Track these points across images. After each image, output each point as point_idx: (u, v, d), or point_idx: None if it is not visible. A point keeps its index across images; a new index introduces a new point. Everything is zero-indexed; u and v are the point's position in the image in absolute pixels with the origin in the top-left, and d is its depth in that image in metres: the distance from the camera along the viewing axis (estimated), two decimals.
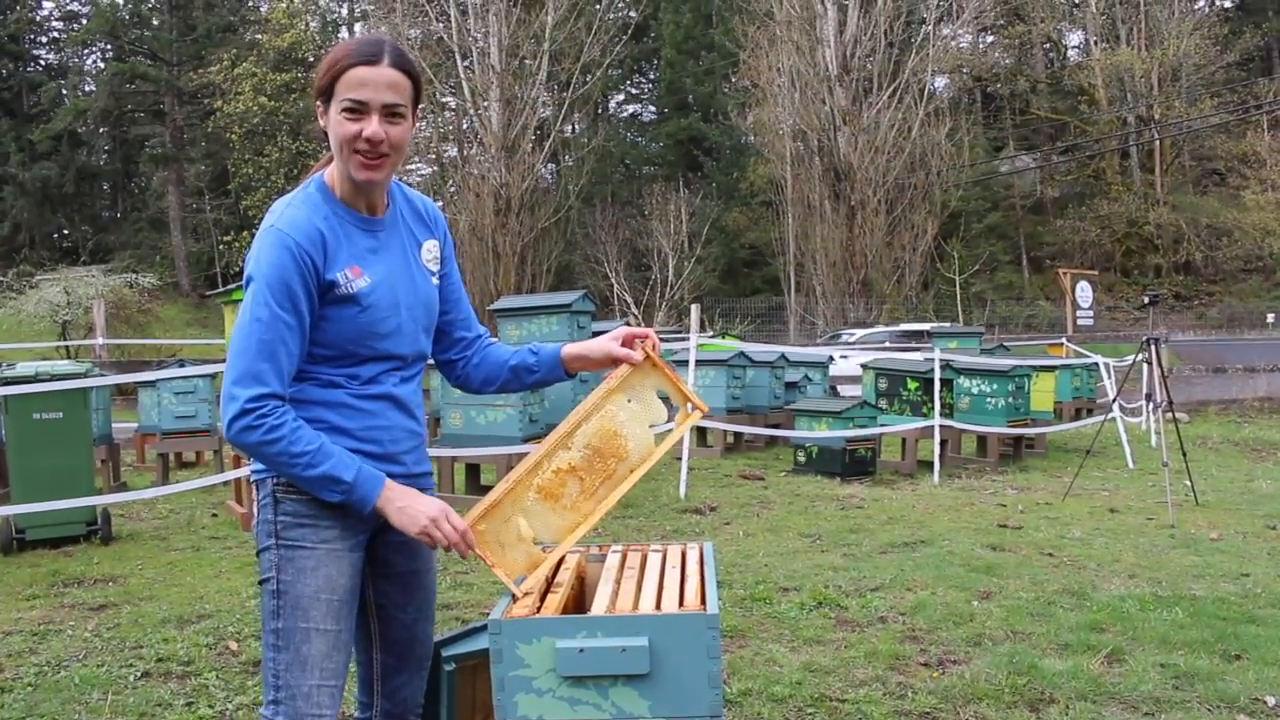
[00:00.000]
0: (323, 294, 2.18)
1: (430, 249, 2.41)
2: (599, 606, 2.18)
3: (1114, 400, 10.13)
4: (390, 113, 2.17)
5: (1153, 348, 8.75)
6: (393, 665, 2.45)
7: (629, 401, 2.34)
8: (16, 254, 39.37)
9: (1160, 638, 4.78)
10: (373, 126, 2.15)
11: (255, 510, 2.29)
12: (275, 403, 2.12)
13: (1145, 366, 12.16)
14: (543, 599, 2.26)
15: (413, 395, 2.36)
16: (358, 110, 2.15)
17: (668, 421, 2.38)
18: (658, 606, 2.15)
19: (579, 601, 2.53)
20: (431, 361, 2.54)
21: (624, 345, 2.38)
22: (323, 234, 2.18)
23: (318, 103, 2.22)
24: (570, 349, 2.47)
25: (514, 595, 2.19)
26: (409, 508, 2.18)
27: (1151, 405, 10.01)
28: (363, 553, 2.31)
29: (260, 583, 2.25)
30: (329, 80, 2.18)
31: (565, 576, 2.42)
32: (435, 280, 2.40)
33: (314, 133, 31.19)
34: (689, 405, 2.39)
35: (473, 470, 8.82)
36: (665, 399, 2.41)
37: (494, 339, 2.55)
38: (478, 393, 2.58)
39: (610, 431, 2.32)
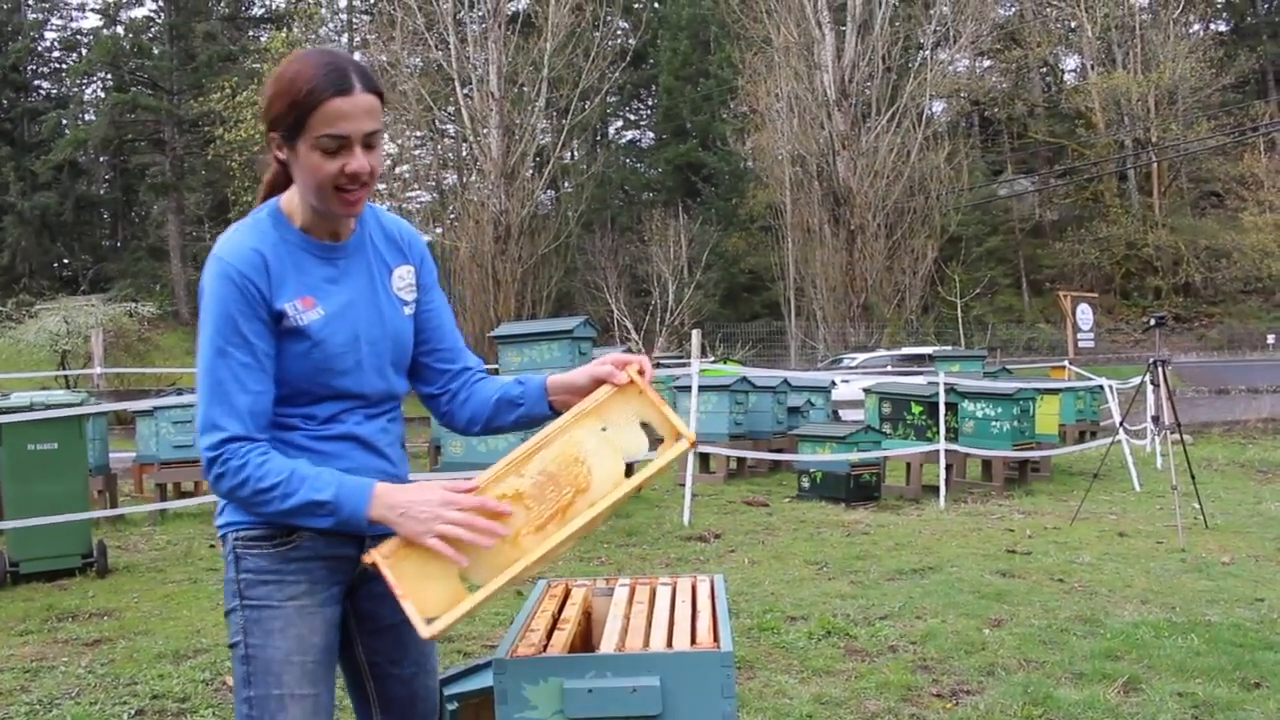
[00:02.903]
0: (275, 323, 2.01)
1: (403, 276, 2.20)
2: (608, 644, 2.08)
3: (1120, 423, 10.04)
4: (368, 142, 2.00)
5: (1159, 369, 8.67)
6: (396, 711, 2.26)
7: (602, 429, 2.06)
8: (16, 283, 39.34)
9: (1177, 665, 4.68)
10: (357, 161, 1.97)
11: (225, 567, 2.10)
12: (235, 445, 1.95)
13: (1150, 388, 12.10)
14: (549, 636, 2.16)
15: (380, 433, 2.15)
16: (339, 147, 1.96)
17: (648, 454, 2.09)
18: (669, 644, 2.06)
19: (586, 638, 2.44)
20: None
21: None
22: (264, 259, 2.00)
23: (272, 134, 2.02)
24: (555, 379, 2.22)
25: (430, 635, 1.88)
26: (411, 510, 1.93)
27: (1158, 427, 9.90)
28: (338, 607, 2.11)
29: (230, 647, 2.06)
30: (298, 115, 1.95)
31: (572, 612, 2.33)
32: (408, 310, 2.19)
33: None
34: (676, 436, 2.06)
35: None
36: (649, 429, 2.15)
37: (484, 374, 2.32)
38: (463, 433, 2.33)
39: (571, 457, 2.03)
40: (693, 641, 2.07)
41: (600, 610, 2.48)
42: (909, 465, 10.74)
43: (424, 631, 1.83)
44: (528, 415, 2.23)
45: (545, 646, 2.10)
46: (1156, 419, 9.65)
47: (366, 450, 2.12)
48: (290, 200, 2.09)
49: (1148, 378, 9.60)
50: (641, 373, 2.11)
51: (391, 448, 2.19)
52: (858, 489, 9.97)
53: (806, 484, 10.31)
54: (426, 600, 1.90)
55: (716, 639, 2.06)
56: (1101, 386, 14.79)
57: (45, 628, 5.69)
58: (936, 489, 10.25)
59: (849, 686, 4.47)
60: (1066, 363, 19.43)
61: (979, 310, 37.58)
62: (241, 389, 1.97)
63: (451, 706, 2.54)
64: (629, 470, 2.07)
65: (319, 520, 1.95)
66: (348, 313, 2.08)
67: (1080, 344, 31.92)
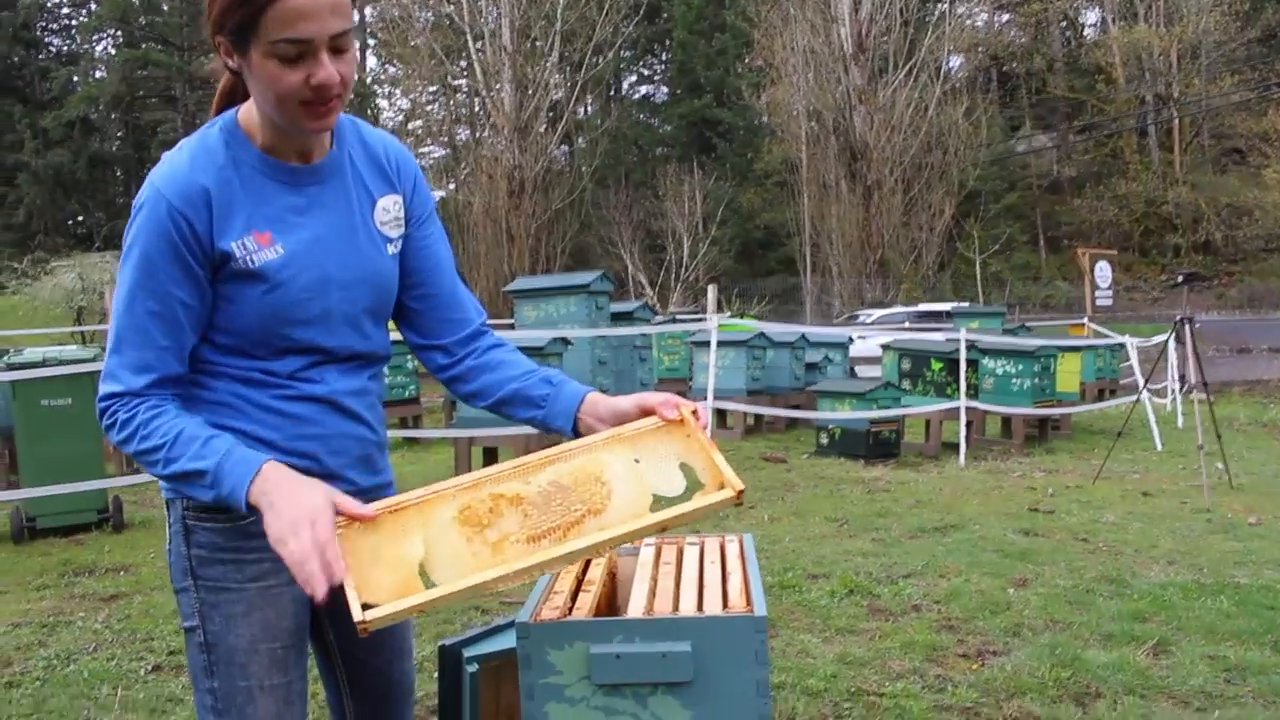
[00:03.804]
0: (216, 267, 1.69)
1: (388, 207, 1.86)
2: (635, 607, 1.99)
3: (1145, 382, 9.90)
4: (336, 46, 1.63)
5: (1186, 328, 8.53)
6: (368, 713, 2.05)
7: (635, 460, 1.80)
8: (31, 241, 39.39)
9: (1206, 628, 4.60)
10: (324, 71, 1.61)
11: (168, 536, 1.83)
12: (126, 399, 1.68)
13: (1175, 347, 11.95)
14: (574, 598, 2.07)
15: (359, 395, 1.86)
16: (300, 53, 1.60)
17: (680, 495, 1.80)
18: (700, 608, 1.97)
19: (611, 600, 2.36)
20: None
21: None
22: (207, 192, 1.68)
23: (218, 38, 1.67)
24: (595, 397, 1.91)
25: (359, 623, 1.56)
26: (280, 507, 1.59)
27: (1184, 386, 9.78)
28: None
29: (185, 630, 1.80)
30: (247, 14, 1.59)
31: (597, 573, 2.24)
32: (393, 250, 1.86)
33: None
34: (720, 485, 1.77)
35: (490, 454, 8.66)
36: (690, 476, 1.85)
37: (501, 342, 2.02)
38: (464, 400, 2.02)
39: (592, 475, 1.77)
40: (724, 605, 1.98)
41: (626, 571, 2.40)
42: (928, 422, 10.64)
43: (357, 616, 1.55)
44: (543, 425, 1.94)
45: (570, 609, 2.01)
46: (1183, 378, 9.50)
47: (341, 415, 1.83)
48: (250, 113, 1.74)
49: (1172, 336, 9.48)
50: (696, 415, 1.84)
51: (371, 411, 1.90)
52: (877, 446, 9.88)
53: (825, 440, 10.22)
54: (371, 584, 1.64)
55: (749, 602, 1.97)
56: (1122, 345, 14.64)
57: (62, 583, 5.66)
58: (956, 446, 10.15)
59: (873, 646, 4.40)
60: (1086, 320, 19.26)
61: (996, 267, 37.28)
62: (145, 342, 1.68)
63: (471, 669, 2.47)
64: (655, 507, 1.80)
65: (200, 492, 1.66)
66: (315, 250, 1.75)
67: (1098, 302, 31.58)
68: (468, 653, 2.50)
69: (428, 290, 1.95)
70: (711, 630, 1.90)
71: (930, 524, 6.85)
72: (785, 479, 8.88)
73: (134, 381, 1.67)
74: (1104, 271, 33.11)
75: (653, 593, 2.10)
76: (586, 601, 2.05)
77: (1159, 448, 10.80)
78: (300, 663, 1.83)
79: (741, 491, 1.75)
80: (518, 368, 1.96)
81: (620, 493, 1.75)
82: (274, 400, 1.76)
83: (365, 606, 1.59)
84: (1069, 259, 37.23)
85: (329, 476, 1.76)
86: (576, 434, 1.90)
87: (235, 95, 1.79)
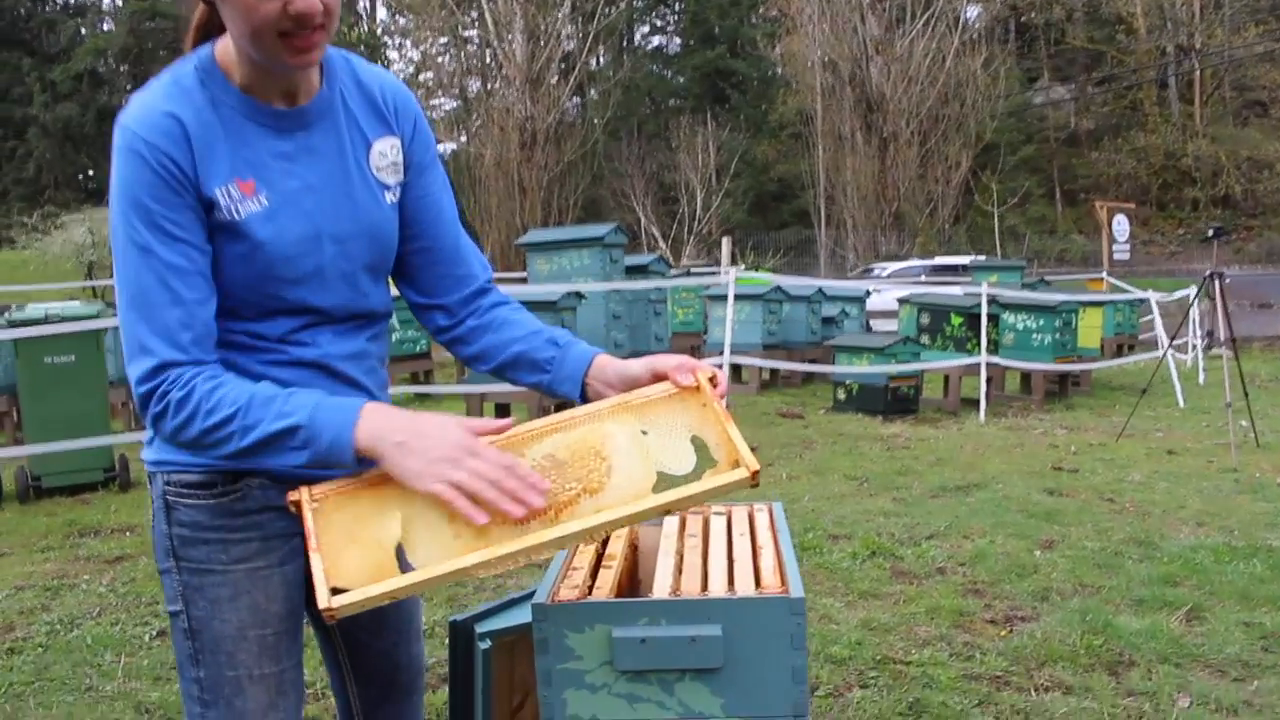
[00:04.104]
0: (203, 214, 1.52)
1: (385, 151, 1.68)
2: (661, 586, 1.84)
3: (1173, 338, 9.70)
4: None
5: (1216, 283, 8.31)
6: (374, 697, 1.91)
7: (642, 431, 1.63)
8: (41, 195, 39.25)
9: (1240, 593, 4.45)
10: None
11: (151, 513, 1.69)
12: (175, 372, 1.49)
13: (1198, 303, 11.72)
14: (594, 575, 1.93)
15: (356, 358, 1.69)
16: None
17: (689, 473, 1.63)
18: (730, 587, 1.82)
19: (633, 575, 2.21)
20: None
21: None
22: (183, 127, 1.49)
23: None
24: (604, 360, 1.74)
25: (324, 610, 1.41)
26: (415, 444, 1.46)
27: (1211, 342, 9.58)
28: (301, 560, 1.64)
29: (169, 614, 1.66)
30: None
31: (618, 547, 2.09)
32: (391, 198, 1.69)
33: None
34: (735, 463, 1.59)
35: (503, 411, 8.53)
36: (702, 451, 1.68)
37: (507, 301, 1.85)
38: (466, 364, 1.87)
39: (591, 449, 1.60)
40: (757, 584, 1.83)
41: (649, 543, 2.25)
42: (947, 378, 10.48)
43: (323, 600, 1.40)
44: (549, 389, 1.79)
45: (590, 588, 1.87)
46: (1210, 334, 9.30)
47: (335, 380, 1.66)
48: (227, 49, 1.55)
49: (1201, 291, 9.26)
50: (713, 382, 1.66)
51: (371, 376, 1.73)
52: (895, 402, 9.73)
53: (843, 396, 10.07)
54: (343, 565, 1.48)
55: (784, 581, 1.82)
56: (1142, 300, 14.42)
57: (67, 544, 5.56)
58: (975, 402, 10.00)
59: (897, 611, 4.27)
60: (1104, 274, 19.01)
61: (1011, 220, 36.89)
62: (173, 299, 1.49)
63: (484, 646, 2.33)
64: (660, 486, 1.63)
65: (292, 456, 1.48)
66: (304, 201, 1.57)
67: (1115, 256, 31.23)
68: (480, 629, 2.37)
69: (428, 243, 1.77)
70: (744, 612, 1.75)
71: (952, 482, 6.70)
72: (803, 435, 8.74)
73: (173, 348, 1.48)
74: (1121, 225, 32.70)
75: (678, 569, 1.96)
76: (608, 579, 1.91)
77: (1181, 405, 10.62)
78: (293, 650, 1.69)
79: (757, 472, 1.57)
80: (522, 328, 1.79)
81: (621, 469, 1.59)
82: (262, 366, 1.59)
83: (335, 591, 1.44)
84: (1085, 212, 36.81)
85: None
86: (585, 400, 1.75)
87: (211, 29, 1.59)
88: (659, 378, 1.68)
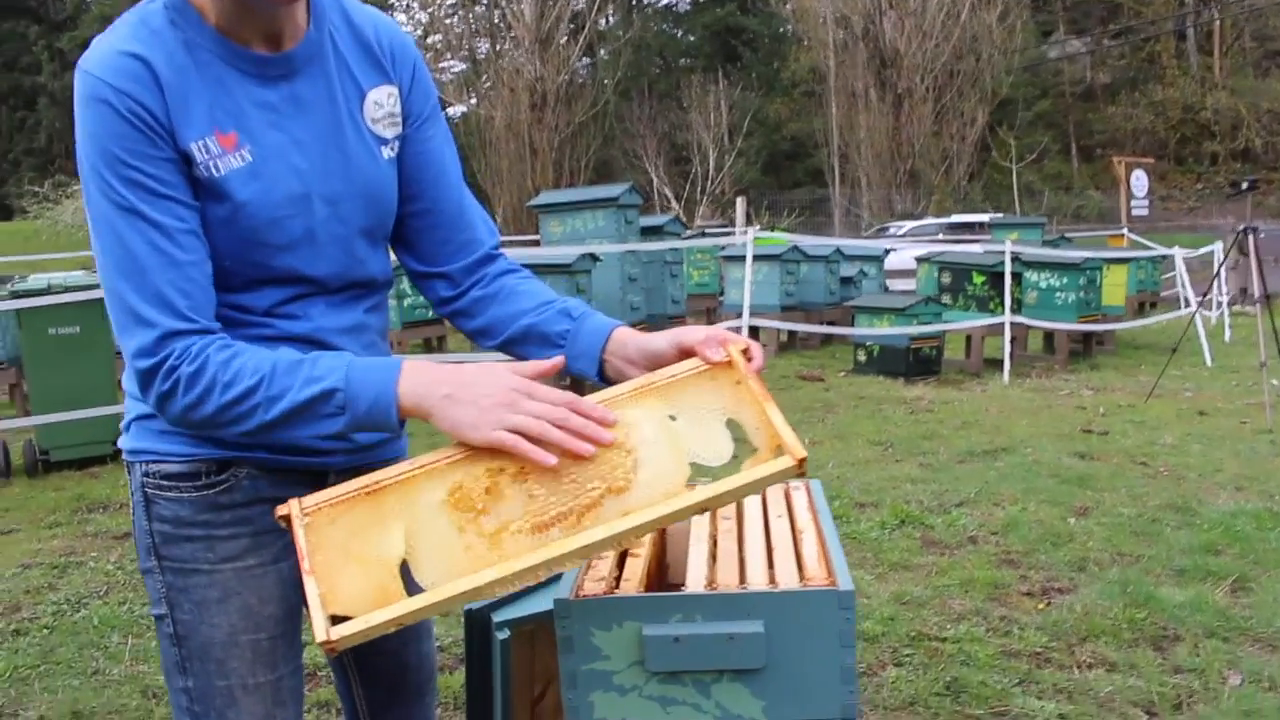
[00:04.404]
0: (183, 166, 1.34)
1: (381, 101, 1.50)
2: (694, 578, 1.68)
3: (1204, 295, 9.48)
4: None
5: (1250, 237, 8.08)
6: (382, 700, 1.76)
7: (670, 416, 1.44)
8: (51, 165, 39.15)
9: None
10: None
11: (131, 506, 1.52)
12: (182, 343, 1.31)
13: (1223, 258, 11.48)
14: (620, 565, 1.76)
15: (352, 332, 1.52)
16: None
17: (726, 463, 1.43)
18: (772, 580, 1.66)
19: (660, 563, 2.05)
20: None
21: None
22: (152, 70, 1.31)
23: None
24: (624, 333, 1.54)
25: (322, 641, 1.23)
26: (463, 394, 1.31)
27: (1245, 299, 9.34)
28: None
29: (154, 618, 1.51)
30: None
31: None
32: (389, 153, 1.51)
33: None
34: (777, 449, 1.40)
35: None
36: (738, 435, 1.48)
37: (516, 269, 1.67)
38: (471, 338, 1.69)
39: (614, 442, 1.40)
40: (801, 575, 1.66)
41: (677, 526, 2.08)
42: (969, 338, 10.27)
43: (321, 631, 1.22)
44: (563, 367, 1.60)
45: (618, 580, 1.70)
46: (1244, 290, 9.07)
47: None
48: None
49: (1217, 247, 9.07)
50: (748, 356, 1.45)
51: (369, 351, 1.55)
52: (917, 363, 9.54)
53: (863, 358, 9.89)
54: (342, 588, 1.31)
55: (830, 571, 1.66)
56: (1164, 256, 14.16)
57: (74, 519, 5.44)
58: (998, 363, 9.81)
59: (930, 584, 4.12)
60: (1125, 230, 18.72)
61: (1028, 177, 36.47)
62: (167, 262, 1.31)
63: (502, 635, 2.18)
64: (694, 479, 1.45)
65: (327, 424, 1.32)
66: (292, 156, 1.40)
67: (1134, 212, 30.85)
68: (497, 617, 2.21)
69: (429, 205, 1.58)
70: (788, 607, 1.59)
71: (979, 447, 6.53)
72: (824, 399, 8.57)
73: (175, 316, 1.31)
74: (1140, 181, 32.27)
75: (712, 557, 1.79)
76: (636, 570, 1.74)
77: (1209, 363, 10.39)
78: (291, 655, 1.53)
79: (804, 460, 1.37)
80: (532, 299, 1.60)
81: (650, 463, 1.40)
82: (248, 341, 1.40)
83: (335, 620, 1.27)
84: (1102, 168, 36.36)
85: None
86: (602, 378, 1.56)
87: None
88: (685, 353, 1.47)
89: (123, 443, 1.49)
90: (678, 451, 1.41)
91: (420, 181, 1.57)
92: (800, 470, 1.39)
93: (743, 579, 1.67)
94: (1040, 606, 3.90)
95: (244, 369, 1.31)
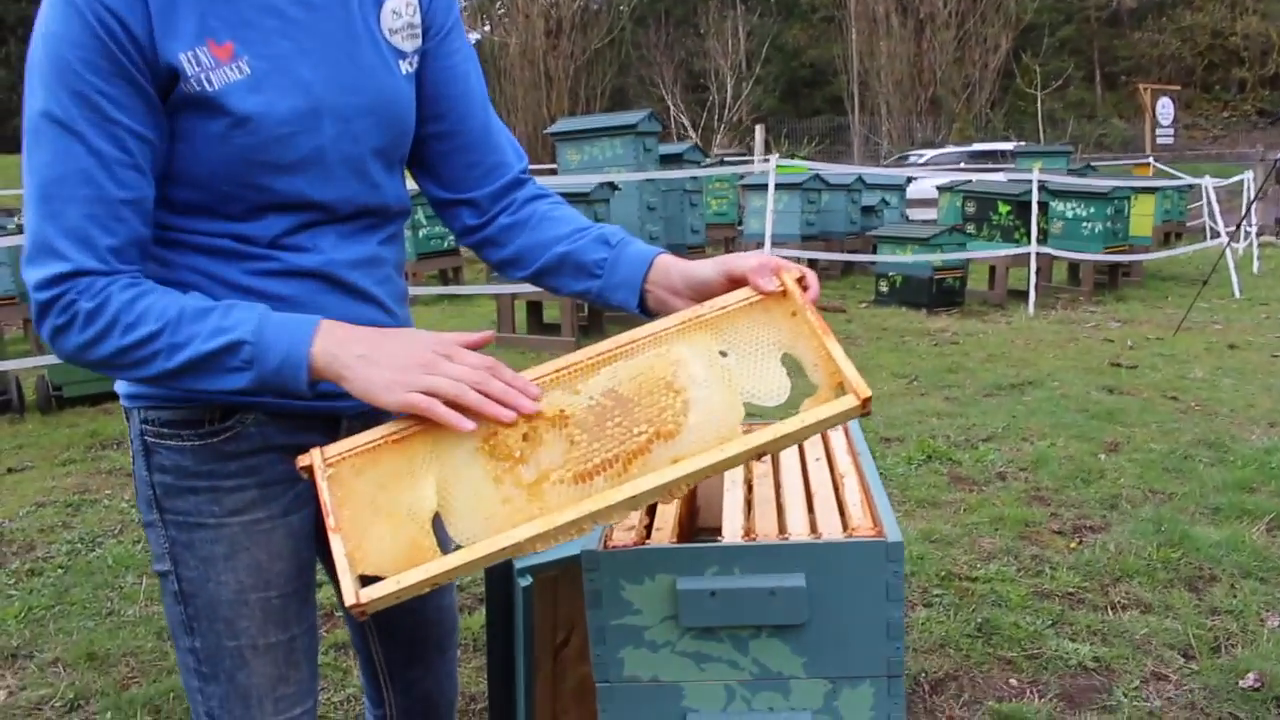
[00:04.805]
0: (163, 90, 1.20)
1: (400, 10, 1.37)
2: (731, 528, 1.58)
3: (1238, 225, 9.26)
4: None
5: None
6: (400, 659, 1.68)
7: (721, 353, 1.32)
8: None
9: None
10: None
11: (131, 455, 1.42)
12: (82, 281, 1.19)
13: (1267, 187, 11.21)
14: (650, 514, 1.66)
15: (367, 266, 1.39)
16: None
17: (784, 403, 1.31)
18: (814, 529, 1.56)
19: (691, 509, 1.95)
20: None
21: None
22: None
23: None
24: (666, 261, 1.43)
25: (351, 605, 1.15)
26: (378, 356, 1.22)
27: (1262, 229, 9.13)
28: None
29: (157, 574, 1.41)
30: None
31: None
32: (408, 67, 1.39)
33: None
34: (839, 387, 1.28)
35: (534, 309, 8.25)
36: (794, 370, 1.36)
37: (547, 195, 1.55)
38: (498, 270, 1.58)
39: (661, 382, 1.29)
40: (845, 525, 1.56)
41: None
42: (993, 269, 10.10)
43: (349, 595, 1.14)
44: (600, 298, 1.49)
45: (649, 531, 1.61)
46: (1278, 220, 8.85)
47: (343, 293, 1.36)
48: None
49: (1248, 176, 8.84)
50: (804, 285, 1.34)
51: (385, 286, 1.42)
52: (940, 294, 9.39)
53: (885, 288, 9.73)
54: (370, 545, 1.22)
55: (875, 520, 1.55)
56: (1190, 186, 13.87)
57: (88, 456, 5.37)
58: (1022, 294, 9.64)
59: (959, 521, 4.03)
60: (1150, 159, 18.37)
61: (1050, 105, 35.85)
62: (95, 195, 1.18)
63: (524, 582, 2.09)
64: (749, 420, 1.33)
65: (231, 379, 1.21)
66: (299, 68, 1.26)
67: (1159, 140, 30.32)
68: (519, 564, 2.12)
69: (453, 126, 1.46)
70: (831, 559, 1.49)
71: (1006, 380, 6.41)
72: (846, 330, 8.43)
73: (89, 254, 1.18)
74: (1166, 109, 31.68)
75: (748, 504, 1.69)
76: (668, 518, 1.64)
77: (1237, 295, 10.20)
78: (305, 612, 1.43)
79: (869, 399, 1.26)
80: (565, 225, 1.49)
81: (700, 404, 1.28)
82: (250, 277, 1.30)
83: (364, 580, 1.18)
84: (1126, 96, 35.68)
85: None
86: (644, 311, 1.44)
87: None
88: (735, 282, 1.35)
89: (119, 386, 1.38)
90: (730, 391, 1.29)
91: (443, 100, 1.44)
92: (865, 410, 1.27)
93: (782, 529, 1.57)
94: (1072, 546, 3.80)
95: (149, 311, 1.19)
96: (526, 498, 1.24)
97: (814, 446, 1.94)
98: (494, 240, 1.52)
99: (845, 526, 1.54)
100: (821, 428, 1.27)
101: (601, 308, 1.47)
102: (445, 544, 1.21)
